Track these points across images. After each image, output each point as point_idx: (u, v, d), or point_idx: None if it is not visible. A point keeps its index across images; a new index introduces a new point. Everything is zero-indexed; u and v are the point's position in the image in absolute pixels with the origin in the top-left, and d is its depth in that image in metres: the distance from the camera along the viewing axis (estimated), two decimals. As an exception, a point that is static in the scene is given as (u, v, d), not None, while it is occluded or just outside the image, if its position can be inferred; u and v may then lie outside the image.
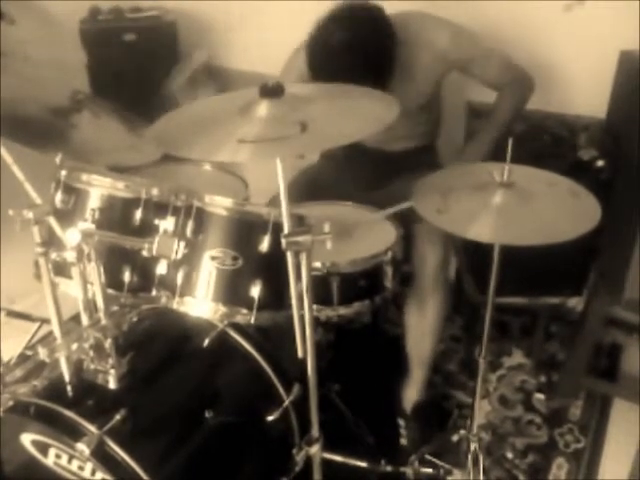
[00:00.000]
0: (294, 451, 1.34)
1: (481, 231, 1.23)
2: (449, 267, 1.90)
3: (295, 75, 1.83)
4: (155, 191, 1.31)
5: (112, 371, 1.26)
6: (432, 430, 1.90)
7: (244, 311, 1.30)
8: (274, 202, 1.26)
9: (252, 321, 1.30)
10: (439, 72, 1.84)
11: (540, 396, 2.10)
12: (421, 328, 1.86)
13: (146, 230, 1.30)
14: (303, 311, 1.14)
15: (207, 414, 1.34)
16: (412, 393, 1.94)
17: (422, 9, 1.79)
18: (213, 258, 1.28)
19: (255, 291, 1.28)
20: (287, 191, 1.10)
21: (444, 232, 1.73)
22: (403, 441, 1.90)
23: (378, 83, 1.60)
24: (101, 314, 1.23)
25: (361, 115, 1.21)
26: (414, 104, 1.82)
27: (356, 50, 1.57)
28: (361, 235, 1.59)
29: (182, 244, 1.29)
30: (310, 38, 1.63)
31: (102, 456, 1.17)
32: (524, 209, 1.26)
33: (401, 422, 1.93)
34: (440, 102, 2.00)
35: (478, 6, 2.18)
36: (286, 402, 1.48)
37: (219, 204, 1.29)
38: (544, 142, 2.00)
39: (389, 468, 1.68)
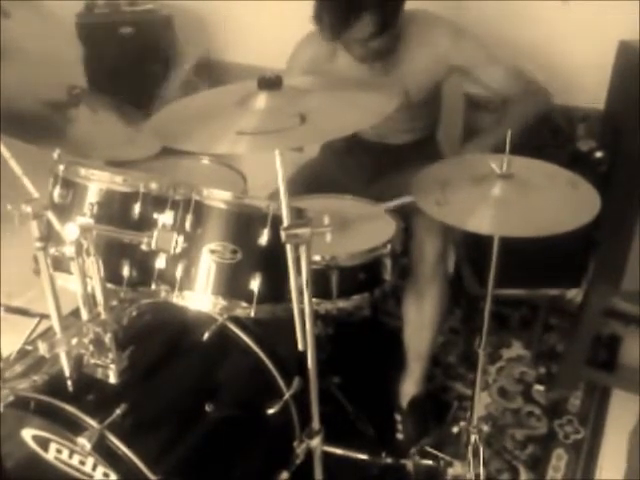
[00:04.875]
0: (295, 444, 1.34)
1: (480, 223, 1.23)
2: (447, 260, 1.90)
3: (305, 61, 1.84)
4: (154, 185, 1.30)
5: (112, 366, 1.26)
6: (428, 425, 1.89)
7: (244, 304, 1.30)
8: (275, 196, 1.26)
9: (252, 314, 1.30)
10: (440, 73, 1.83)
11: (539, 387, 2.11)
12: (419, 321, 1.86)
13: (145, 224, 1.30)
14: (303, 304, 1.14)
15: (207, 408, 1.35)
16: (409, 387, 1.93)
17: (422, 5, 1.78)
18: (212, 252, 1.28)
19: (255, 284, 1.28)
20: (287, 184, 1.10)
21: (443, 224, 1.73)
22: (399, 436, 1.89)
23: (383, 21, 1.60)
24: (100, 309, 1.23)
25: (360, 107, 1.21)
26: (414, 99, 1.82)
27: None
28: (360, 228, 1.58)
29: (181, 238, 1.29)
30: None
31: (103, 450, 1.18)
32: (523, 200, 1.26)
33: (397, 417, 1.92)
34: (440, 96, 2.00)
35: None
36: (286, 395, 1.48)
37: (218, 197, 1.29)
38: (542, 133, 2.00)
39: (389, 460, 1.69)
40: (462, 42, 1.78)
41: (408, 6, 1.72)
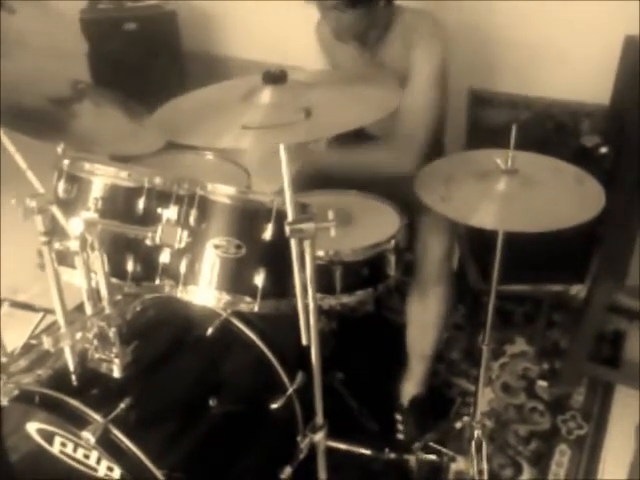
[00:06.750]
0: (298, 438, 1.34)
1: (485, 218, 1.23)
2: (453, 259, 1.88)
3: (324, 37, 1.84)
4: (158, 180, 1.30)
5: (116, 360, 1.26)
6: (428, 425, 1.87)
7: (248, 299, 1.30)
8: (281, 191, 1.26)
9: (256, 309, 1.30)
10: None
11: (543, 383, 2.11)
12: (423, 321, 1.84)
13: (149, 219, 1.30)
14: (307, 299, 1.14)
15: (211, 402, 1.35)
16: (410, 387, 1.92)
17: (427, 5, 1.77)
18: (216, 246, 1.28)
19: (259, 279, 1.28)
20: (292, 180, 1.10)
21: (448, 223, 1.71)
22: (400, 436, 1.89)
23: None
24: (105, 303, 1.23)
25: (365, 101, 1.21)
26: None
27: None
28: (364, 223, 1.58)
29: (185, 233, 1.29)
30: None
31: (107, 444, 1.18)
32: (528, 196, 1.26)
33: (398, 417, 1.92)
34: (444, 99, 1.97)
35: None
36: (290, 390, 1.49)
37: (222, 192, 1.28)
38: (547, 129, 1.99)
39: (393, 456, 1.69)
40: (433, 61, 1.67)
41: (416, 5, 1.71)
